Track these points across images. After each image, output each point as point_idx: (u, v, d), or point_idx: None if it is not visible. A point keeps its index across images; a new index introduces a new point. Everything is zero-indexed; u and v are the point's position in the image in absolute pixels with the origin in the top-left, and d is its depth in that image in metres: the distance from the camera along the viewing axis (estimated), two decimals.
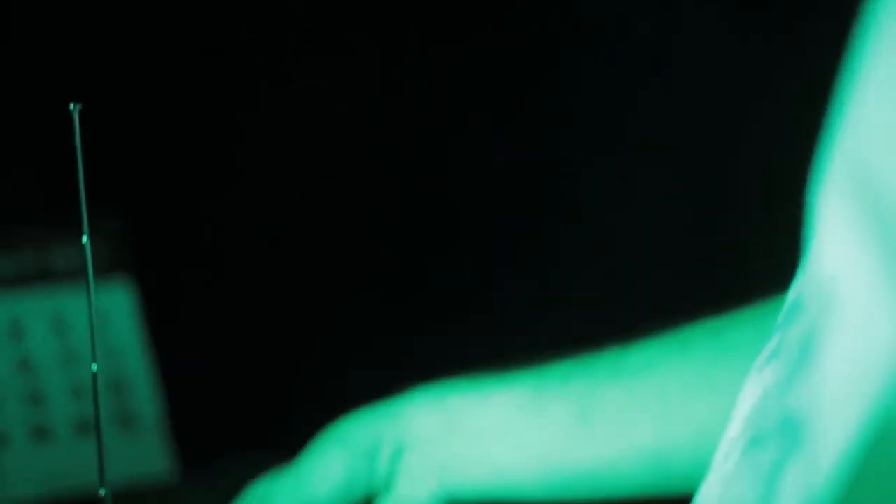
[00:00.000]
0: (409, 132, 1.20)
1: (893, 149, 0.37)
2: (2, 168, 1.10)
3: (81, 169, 0.62)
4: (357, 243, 1.19)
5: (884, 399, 0.37)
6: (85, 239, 0.67)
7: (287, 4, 1.18)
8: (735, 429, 0.49)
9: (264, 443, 1.03)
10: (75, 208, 1.02)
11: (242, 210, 1.17)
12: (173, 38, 1.15)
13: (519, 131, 1.22)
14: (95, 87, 1.09)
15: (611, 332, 0.71)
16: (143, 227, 1.11)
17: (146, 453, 1.05)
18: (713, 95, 1.21)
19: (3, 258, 1.03)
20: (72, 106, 0.60)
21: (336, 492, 0.72)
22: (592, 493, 0.70)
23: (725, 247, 1.20)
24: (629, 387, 0.69)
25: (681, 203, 1.21)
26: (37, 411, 1.01)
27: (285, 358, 1.15)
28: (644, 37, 1.22)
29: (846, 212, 0.39)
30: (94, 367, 0.67)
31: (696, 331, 0.69)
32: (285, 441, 1.02)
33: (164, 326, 1.09)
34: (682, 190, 1.20)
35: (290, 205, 1.18)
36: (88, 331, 1.05)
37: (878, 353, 0.37)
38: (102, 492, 0.65)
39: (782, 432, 0.44)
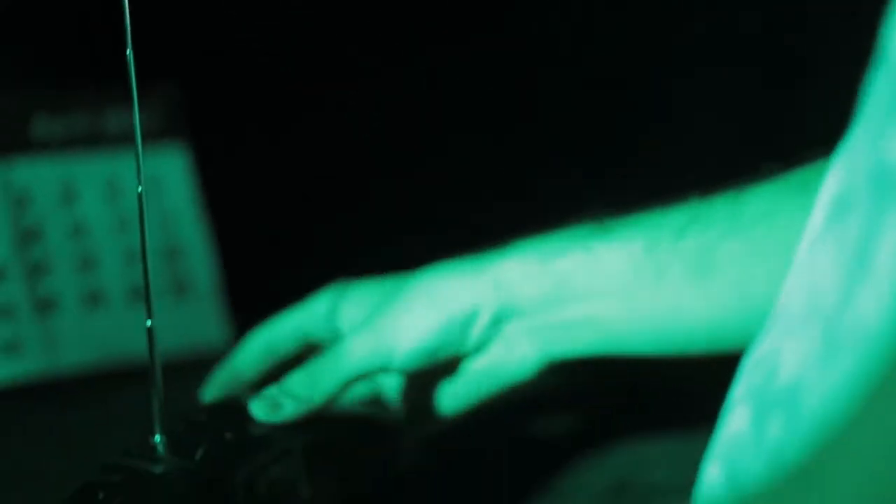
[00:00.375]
0: None
1: None
2: (55, 30, 1.07)
3: (129, 27, 0.60)
4: (410, 109, 1.15)
5: None
6: (135, 101, 0.64)
7: None
8: (818, 210, 0.44)
9: None
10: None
11: (297, 73, 1.14)
12: None
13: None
14: None
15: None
16: (197, 91, 1.08)
17: (201, 321, 1.03)
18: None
19: (55, 121, 1.00)
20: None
21: (419, 355, 0.68)
22: (705, 348, 0.65)
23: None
24: (748, 238, 0.63)
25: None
26: (89, 277, 0.99)
27: (341, 221, 1.12)
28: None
29: None
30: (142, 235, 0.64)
31: (811, 173, 0.62)
32: None
33: (219, 192, 1.07)
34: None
35: (342, 71, 1.14)
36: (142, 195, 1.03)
37: None
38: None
39: (874, 189, 0.40)
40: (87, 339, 0.97)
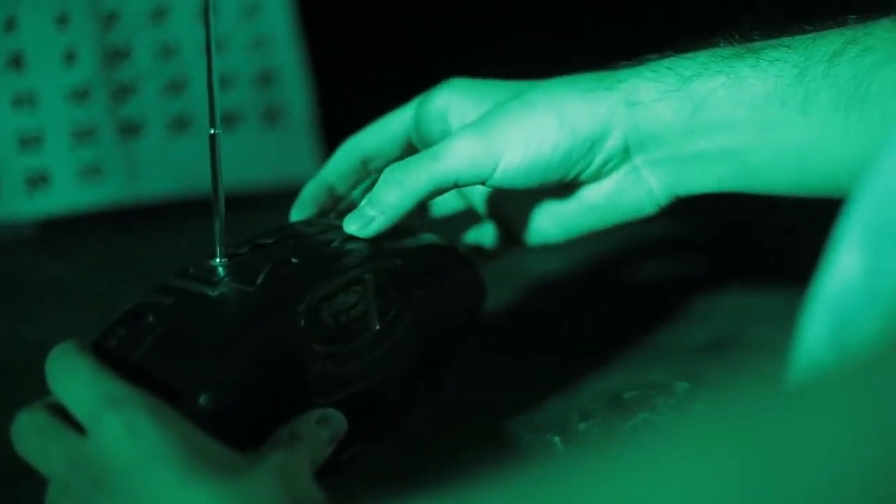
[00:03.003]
0: None
1: None
2: None
3: None
4: None
5: None
6: None
7: None
8: None
9: None
10: None
11: None
12: None
13: None
14: None
15: None
16: None
17: (292, 150, 0.98)
18: None
19: None
20: None
21: (529, 172, 0.60)
22: (844, 188, 0.57)
23: None
24: None
25: None
26: (176, 101, 0.94)
27: (444, 37, 1.06)
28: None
29: None
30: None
31: None
32: None
33: (316, 15, 1.01)
34: None
35: None
36: (236, 17, 0.97)
37: None
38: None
39: None
40: (170, 165, 0.93)
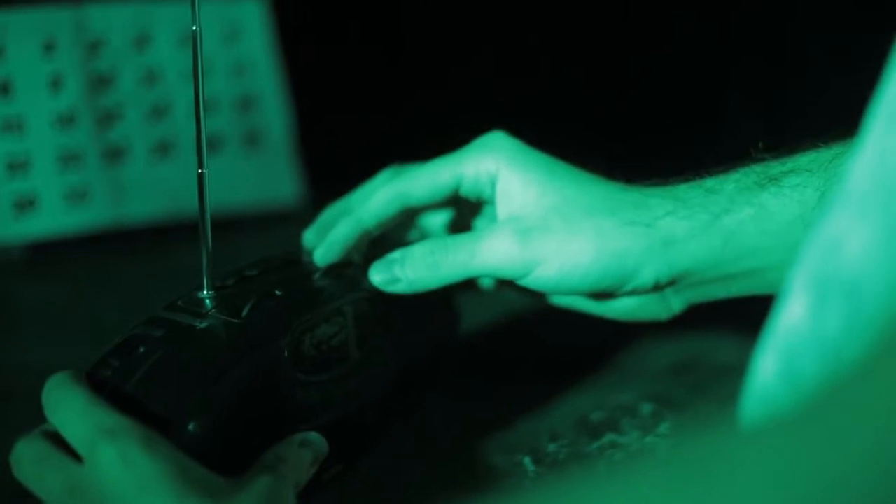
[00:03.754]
0: None
1: None
2: None
3: None
4: None
5: None
6: None
7: None
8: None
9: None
10: None
11: None
12: None
13: None
14: None
15: None
16: None
17: (272, 173, 1.01)
18: None
19: None
20: None
21: (563, 285, 0.62)
22: None
23: None
24: None
25: None
26: (159, 126, 0.97)
27: (418, 78, 1.09)
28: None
29: None
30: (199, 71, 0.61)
31: None
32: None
33: (295, 43, 1.04)
34: None
35: None
36: (218, 43, 1.00)
37: None
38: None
39: None
40: (155, 189, 0.95)
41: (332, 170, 1.02)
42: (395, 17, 1.12)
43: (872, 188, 0.40)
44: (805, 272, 0.43)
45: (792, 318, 0.43)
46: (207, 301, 0.60)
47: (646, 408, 0.70)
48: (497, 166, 0.65)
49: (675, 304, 0.66)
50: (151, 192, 0.95)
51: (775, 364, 0.44)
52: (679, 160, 0.64)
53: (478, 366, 0.75)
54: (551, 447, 0.67)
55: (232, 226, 0.96)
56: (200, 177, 0.61)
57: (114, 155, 0.95)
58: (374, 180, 0.70)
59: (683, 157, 0.64)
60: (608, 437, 0.67)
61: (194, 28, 0.60)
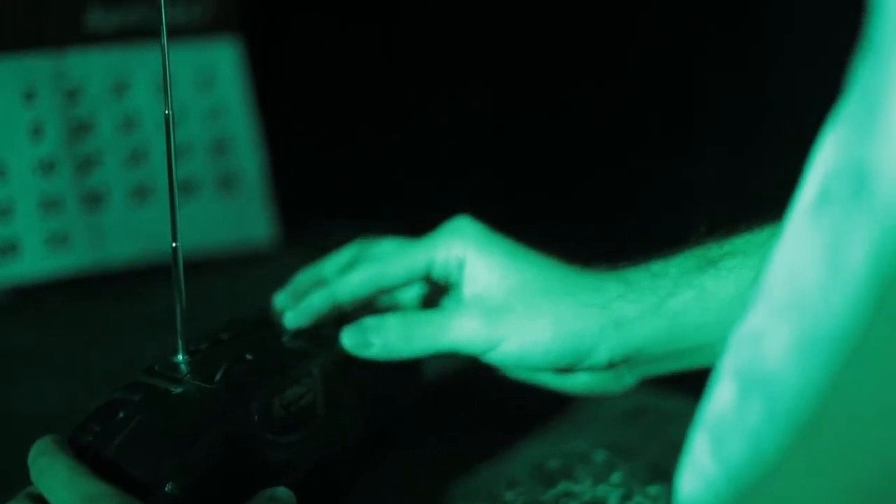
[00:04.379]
0: None
1: None
2: None
3: None
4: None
5: None
6: None
7: None
8: (807, 189, 0.45)
9: (364, 210, 1.02)
10: None
11: None
12: None
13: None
14: None
15: None
16: None
17: (246, 217, 1.04)
18: None
19: (107, 14, 1.01)
20: None
21: (524, 361, 0.68)
22: None
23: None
24: None
25: None
26: (137, 171, 1.01)
27: (388, 123, 1.13)
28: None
29: None
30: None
31: None
32: (386, 208, 1.01)
33: (269, 87, 1.08)
34: None
35: None
36: (192, 89, 1.04)
37: None
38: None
39: (850, 185, 0.41)
40: (133, 232, 0.99)
41: (305, 212, 1.06)
42: (368, 61, 1.15)
43: (787, 292, 0.44)
44: (731, 361, 0.47)
45: (720, 403, 0.47)
46: (182, 366, 0.64)
47: (599, 455, 0.74)
48: (465, 251, 0.70)
49: (628, 378, 0.70)
50: (130, 235, 0.99)
51: (707, 443, 0.48)
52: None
53: (440, 417, 0.79)
54: (509, 495, 0.71)
55: (207, 267, 0.99)
56: (175, 250, 0.65)
57: (93, 200, 0.99)
58: (344, 251, 0.75)
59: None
60: (563, 486, 0.71)
61: (167, 112, 0.64)
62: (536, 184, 1.08)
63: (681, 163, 1.11)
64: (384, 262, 0.72)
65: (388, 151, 1.11)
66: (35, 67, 0.97)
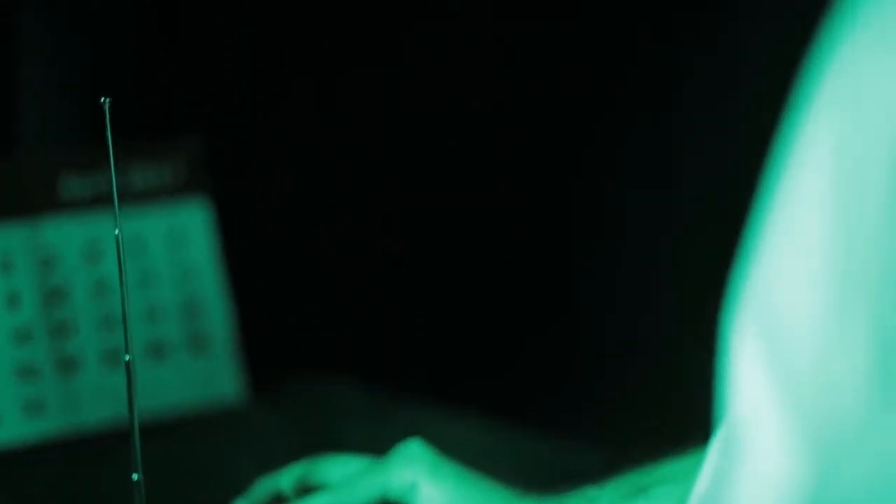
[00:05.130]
0: None
1: (796, 293, 0.39)
2: (76, 90, 1.12)
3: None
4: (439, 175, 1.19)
5: None
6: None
7: None
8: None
9: (335, 366, 1.05)
10: (153, 127, 1.03)
11: (320, 135, 1.18)
12: None
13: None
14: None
15: None
16: (221, 148, 1.12)
17: (216, 377, 1.07)
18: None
19: (78, 179, 1.05)
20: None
21: None
22: None
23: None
24: None
25: None
26: (111, 335, 1.04)
27: (357, 283, 1.17)
28: None
29: (754, 353, 0.41)
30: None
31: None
32: (357, 365, 1.04)
33: (240, 248, 1.11)
34: None
35: (366, 133, 1.18)
36: (163, 251, 1.07)
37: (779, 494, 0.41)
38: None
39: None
40: (108, 396, 1.02)
41: (273, 372, 1.09)
42: (336, 218, 1.19)
43: None
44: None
45: None
46: None
47: None
48: (417, 477, 0.77)
49: None
50: (105, 399, 1.02)
51: None
52: None
53: None
54: None
55: (177, 427, 1.02)
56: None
57: (68, 365, 1.02)
58: (296, 467, 0.81)
59: None
60: None
61: (116, 233, 0.68)
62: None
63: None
64: (342, 489, 0.78)
65: (358, 308, 1.14)
66: (10, 237, 1.00)
